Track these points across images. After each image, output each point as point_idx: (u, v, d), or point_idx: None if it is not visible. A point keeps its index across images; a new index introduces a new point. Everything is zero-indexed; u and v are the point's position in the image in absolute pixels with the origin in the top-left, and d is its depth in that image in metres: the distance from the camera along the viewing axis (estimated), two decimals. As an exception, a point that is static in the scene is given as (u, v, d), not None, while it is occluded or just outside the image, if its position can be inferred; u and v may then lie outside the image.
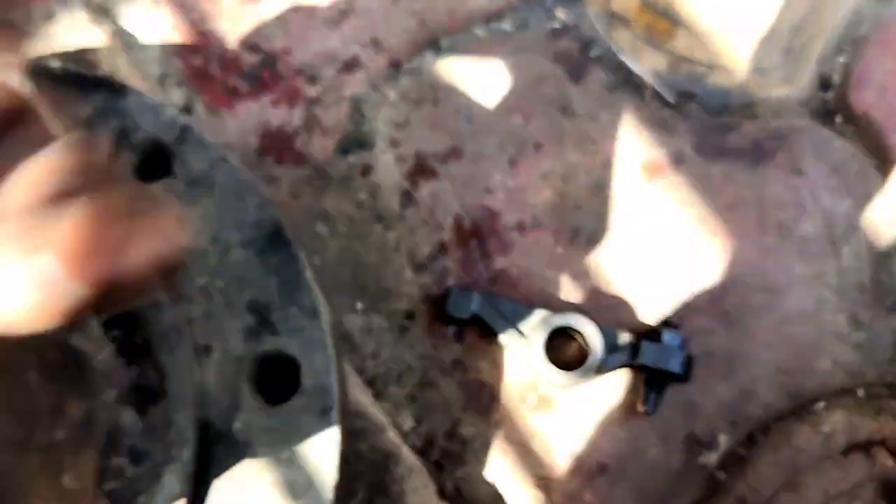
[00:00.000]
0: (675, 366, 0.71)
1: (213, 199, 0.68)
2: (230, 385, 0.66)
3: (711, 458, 0.75)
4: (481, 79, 0.81)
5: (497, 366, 0.76)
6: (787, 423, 0.76)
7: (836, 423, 0.75)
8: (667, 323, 0.74)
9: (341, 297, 0.76)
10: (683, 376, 0.72)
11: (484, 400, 0.75)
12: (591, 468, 0.74)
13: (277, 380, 0.64)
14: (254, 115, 0.80)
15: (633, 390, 0.75)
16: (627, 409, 0.75)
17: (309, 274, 0.68)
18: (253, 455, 0.59)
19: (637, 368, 0.72)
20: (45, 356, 0.58)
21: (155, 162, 0.71)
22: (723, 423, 0.75)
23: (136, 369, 0.64)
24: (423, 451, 0.74)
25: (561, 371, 0.71)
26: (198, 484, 0.60)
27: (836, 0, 0.81)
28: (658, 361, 0.71)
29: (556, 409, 0.75)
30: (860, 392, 0.76)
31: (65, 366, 0.60)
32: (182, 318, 0.66)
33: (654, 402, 0.72)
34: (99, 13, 0.81)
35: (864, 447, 0.75)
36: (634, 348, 0.72)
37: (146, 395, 0.64)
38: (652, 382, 0.72)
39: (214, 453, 0.62)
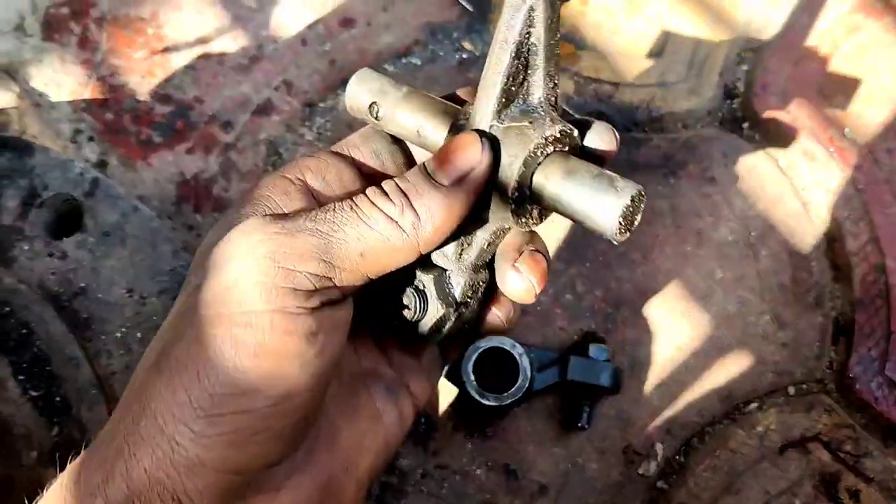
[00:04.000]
0: (604, 379, 0.72)
1: (126, 249, 0.67)
2: (154, 436, 0.65)
3: (651, 468, 0.75)
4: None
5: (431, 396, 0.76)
6: (722, 427, 0.76)
7: (770, 422, 0.76)
8: (593, 337, 0.75)
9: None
10: (613, 389, 0.72)
11: (420, 429, 0.75)
12: (531, 490, 0.74)
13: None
14: (169, 164, 0.80)
15: (566, 407, 0.75)
16: (562, 427, 0.75)
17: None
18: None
19: (567, 385, 0.73)
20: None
21: (67, 218, 0.71)
22: (658, 433, 0.76)
23: (57, 428, 0.63)
24: (362, 488, 0.73)
25: (492, 394, 0.71)
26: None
27: (733, 10, 0.84)
28: (587, 376, 0.72)
29: (491, 433, 0.75)
30: (790, 390, 0.77)
31: (-22, 430, 0.59)
32: (100, 373, 0.65)
33: (587, 417, 0.73)
34: (5, 75, 0.81)
35: (800, 444, 0.76)
36: (563, 365, 0.72)
37: (69, 455, 0.63)
38: (583, 397, 0.73)
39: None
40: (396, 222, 0.39)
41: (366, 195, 0.40)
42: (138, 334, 0.65)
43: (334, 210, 0.39)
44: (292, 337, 0.37)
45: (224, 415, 0.37)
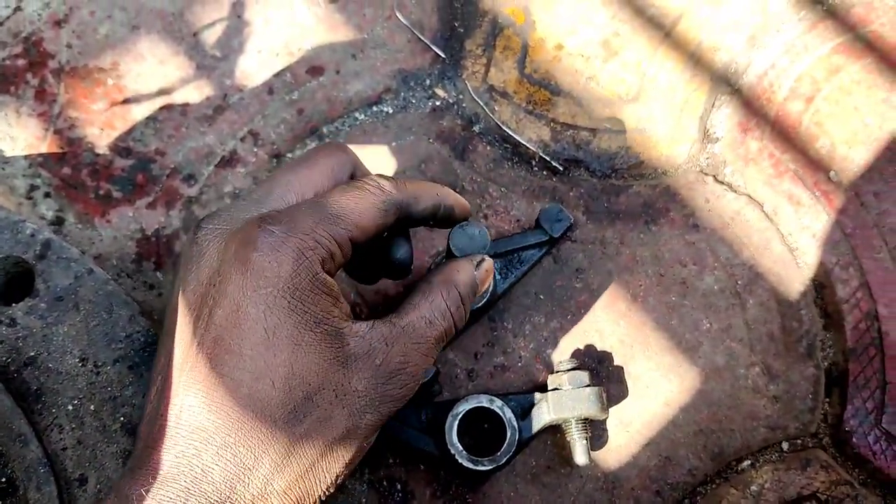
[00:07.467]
0: (591, 406, 0.67)
1: (80, 315, 0.63)
2: (108, 517, 0.60)
3: (641, 533, 0.71)
4: (366, 163, 0.79)
5: (408, 461, 0.71)
6: (715, 486, 0.73)
7: (764, 481, 0.72)
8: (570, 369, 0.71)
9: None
10: (603, 412, 0.68)
11: (396, 497, 0.70)
12: (516, 560, 0.70)
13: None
14: (129, 221, 0.76)
15: (560, 448, 0.71)
16: (558, 472, 0.71)
17: (189, 385, 0.63)
18: None
19: (556, 425, 0.69)
20: None
21: (17, 282, 0.67)
22: (647, 494, 0.72)
23: (2, 512, 0.58)
24: (336, 563, 0.69)
25: (485, 458, 0.67)
26: None
27: (712, 53, 0.82)
28: (575, 407, 0.68)
29: (471, 500, 0.71)
30: (784, 445, 0.74)
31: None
32: (50, 449, 0.60)
33: (585, 450, 0.68)
34: (-43, 131, 0.77)
35: (797, 503, 0.72)
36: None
37: (13, 541, 0.58)
38: (576, 431, 0.69)
39: None
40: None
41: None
42: (91, 406, 0.61)
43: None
44: None
45: None
